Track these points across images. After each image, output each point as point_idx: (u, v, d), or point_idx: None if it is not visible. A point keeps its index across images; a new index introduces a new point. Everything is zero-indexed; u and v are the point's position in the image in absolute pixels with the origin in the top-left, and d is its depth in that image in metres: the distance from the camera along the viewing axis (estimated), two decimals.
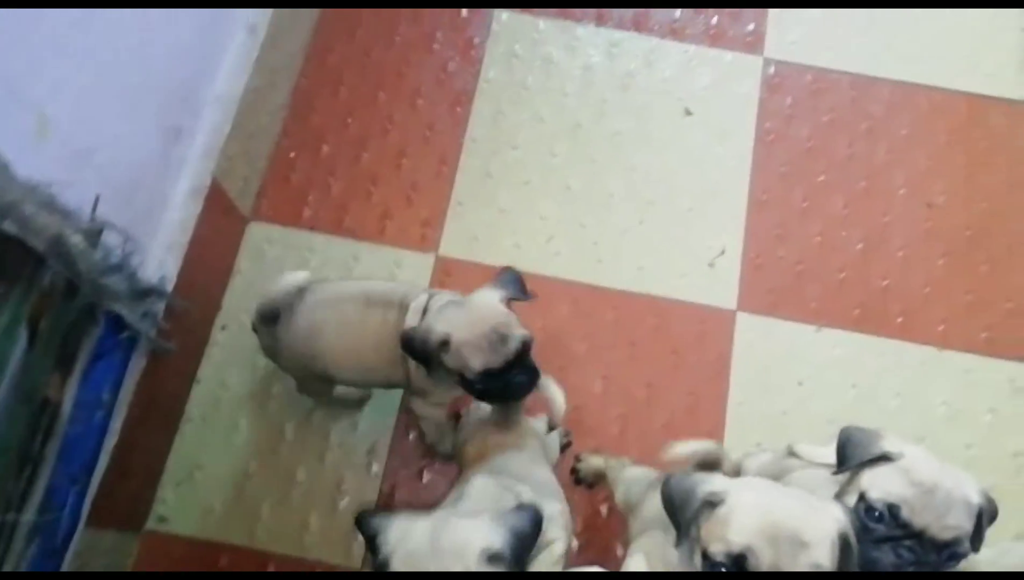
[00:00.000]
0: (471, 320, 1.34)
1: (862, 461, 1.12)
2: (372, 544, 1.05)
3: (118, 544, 1.66)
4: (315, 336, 1.48)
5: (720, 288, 1.94)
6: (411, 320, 1.41)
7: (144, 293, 1.51)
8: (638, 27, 2.16)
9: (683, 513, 1.02)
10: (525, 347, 1.35)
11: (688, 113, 2.09)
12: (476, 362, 1.31)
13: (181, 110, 1.63)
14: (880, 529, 1.05)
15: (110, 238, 1.38)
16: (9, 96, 1.14)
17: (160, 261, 1.61)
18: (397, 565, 1.00)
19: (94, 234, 1.30)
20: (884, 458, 1.10)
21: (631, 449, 1.78)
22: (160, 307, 1.58)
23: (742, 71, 2.13)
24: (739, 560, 0.94)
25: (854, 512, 1.06)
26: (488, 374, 1.33)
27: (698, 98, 2.10)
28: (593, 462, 1.73)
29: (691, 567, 1.01)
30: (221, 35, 1.73)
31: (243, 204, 1.92)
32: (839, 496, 1.14)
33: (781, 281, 1.95)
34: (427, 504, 1.66)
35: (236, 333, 1.87)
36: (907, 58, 2.15)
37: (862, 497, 1.09)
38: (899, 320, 1.92)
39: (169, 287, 1.61)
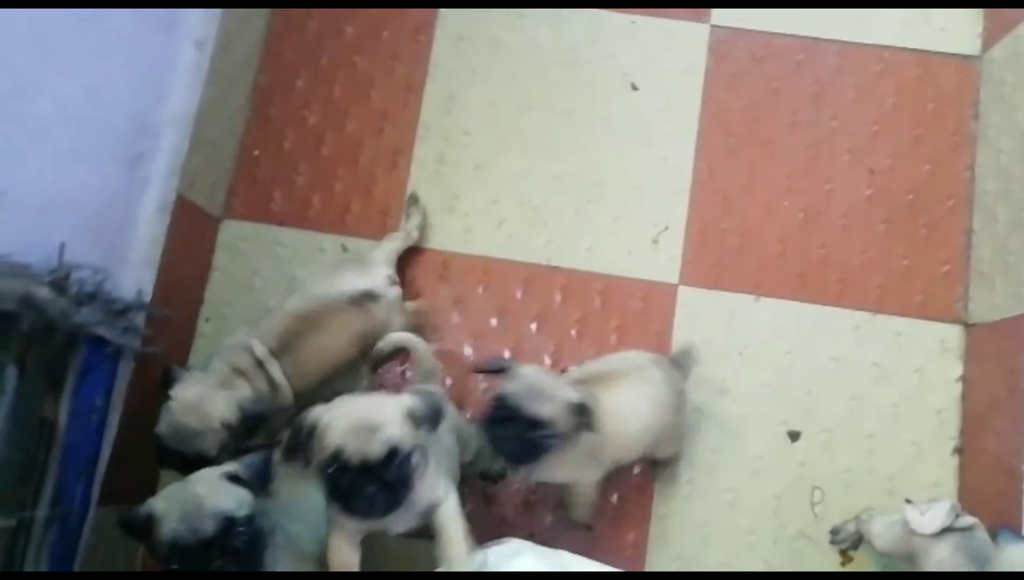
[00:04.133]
0: None
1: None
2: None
3: None
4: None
5: (663, 263, 2.04)
6: None
7: (122, 311, 1.70)
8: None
9: (298, 444, 1.30)
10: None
11: (634, 88, 2.13)
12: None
13: (139, 137, 1.76)
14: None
15: (80, 274, 1.56)
16: None
17: (136, 277, 1.78)
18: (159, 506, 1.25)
19: (62, 279, 1.47)
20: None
21: None
22: (140, 318, 1.77)
23: (688, 40, 2.14)
24: (336, 457, 1.24)
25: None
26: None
27: (644, 72, 2.13)
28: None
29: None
30: (169, 57, 1.83)
31: (213, 206, 2.06)
32: None
33: (722, 254, 2.04)
34: None
35: (218, 324, 2.06)
36: (856, 17, 2.12)
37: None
38: (836, 287, 2.01)
39: (147, 298, 1.80)
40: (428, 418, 1.34)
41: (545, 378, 1.51)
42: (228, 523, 1.23)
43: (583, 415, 1.46)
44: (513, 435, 1.45)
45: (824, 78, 2.10)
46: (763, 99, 2.11)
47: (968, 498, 1.82)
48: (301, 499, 1.48)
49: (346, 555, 1.39)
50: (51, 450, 1.58)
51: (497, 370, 1.53)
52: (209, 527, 1.22)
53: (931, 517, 1.50)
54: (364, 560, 1.41)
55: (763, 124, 2.10)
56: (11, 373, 1.43)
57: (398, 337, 1.75)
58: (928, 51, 2.10)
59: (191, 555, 1.23)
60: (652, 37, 2.15)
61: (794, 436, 1.93)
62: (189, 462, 1.52)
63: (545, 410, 1.44)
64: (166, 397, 1.58)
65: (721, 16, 2.15)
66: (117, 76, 1.66)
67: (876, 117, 2.08)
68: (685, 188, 2.07)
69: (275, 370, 1.68)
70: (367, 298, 1.76)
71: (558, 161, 2.10)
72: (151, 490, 1.92)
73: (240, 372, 1.66)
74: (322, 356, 1.74)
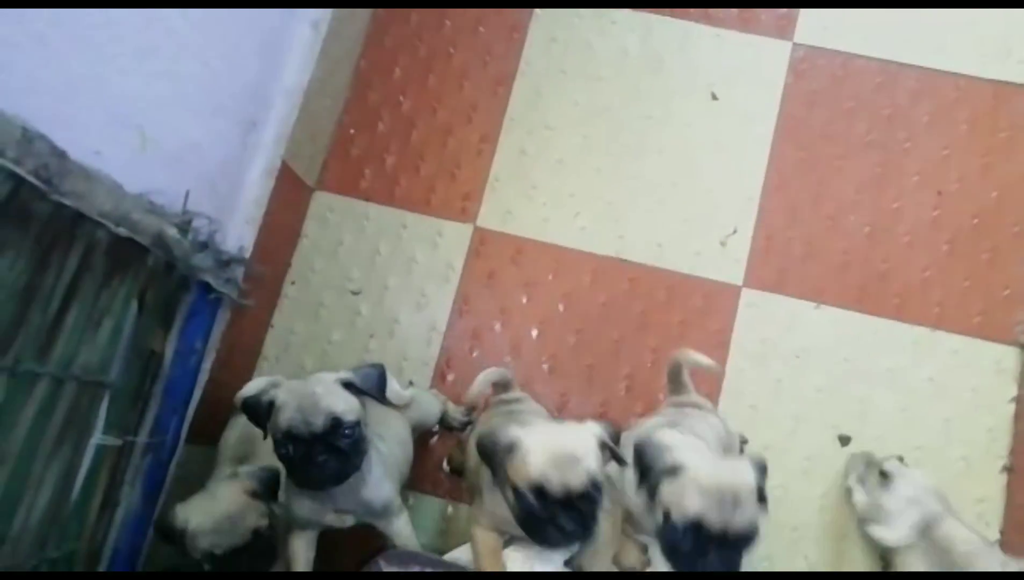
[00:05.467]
0: None
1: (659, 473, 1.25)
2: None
3: (210, 457, 2.05)
4: None
5: (729, 265, 2.13)
6: None
7: (226, 263, 1.84)
8: (673, 11, 2.27)
9: (493, 461, 1.31)
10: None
11: (714, 98, 2.22)
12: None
13: (256, 105, 1.91)
14: (687, 544, 1.18)
15: (198, 222, 1.70)
16: (117, 121, 1.44)
17: (240, 233, 1.93)
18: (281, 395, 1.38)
19: (186, 224, 1.62)
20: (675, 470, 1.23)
21: (635, 405, 2.05)
22: (240, 272, 1.91)
23: (770, 56, 2.23)
24: (538, 490, 1.24)
25: (663, 533, 1.23)
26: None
27: (725, 83, 2.23)
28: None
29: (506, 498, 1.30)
30: (288, 34, 1.98)
31: (309, 177, 2.21)
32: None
33: (787, 260, 2.12)
34: None
35: (302, 288, 2.20)
36: (937, 44, 2.19)
37: (667, 517, 1.21)
38: (896, 301, 2.07)
39: (247, 255, 1.94)
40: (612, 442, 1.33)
41: (724, 474, 1.24)
42: (336, 423, 1.36)
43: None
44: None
45: (900, 101, 2.18)
46: (838, 117, 2.19)
47: (1015, 515, 1.86)
48: (392, 424, 1.63)
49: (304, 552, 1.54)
50: (156, 382, 1.72)
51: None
52: (319, 423, 1.35)
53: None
54: None
55: (836, 141, 2.18)
56: (133, 305, 1.57)
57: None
58: (1005, 82, 2.16)
59: (301, 444, 1.36)
60: (736, 51, 2.24)
61: (844, 440, 2.00)
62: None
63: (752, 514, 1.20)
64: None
65: (803, 35, 2.24)
66: (243, 46, 1.81)
67: (948, 142, 2.15)
68: (756, 195, 2.16)
69: None
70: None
71: (635, 161, 2.21)
72: None
73: None
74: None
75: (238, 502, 1.48)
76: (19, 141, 1.08)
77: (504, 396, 1.79)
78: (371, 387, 1.44)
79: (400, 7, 2.35)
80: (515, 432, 1.30)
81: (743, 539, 1.18)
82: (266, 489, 1.54)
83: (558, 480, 1.23)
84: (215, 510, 1.46)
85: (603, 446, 1.31)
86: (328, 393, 1.38)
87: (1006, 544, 1.82)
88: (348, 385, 1.43)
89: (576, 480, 1.24)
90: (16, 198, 1.12)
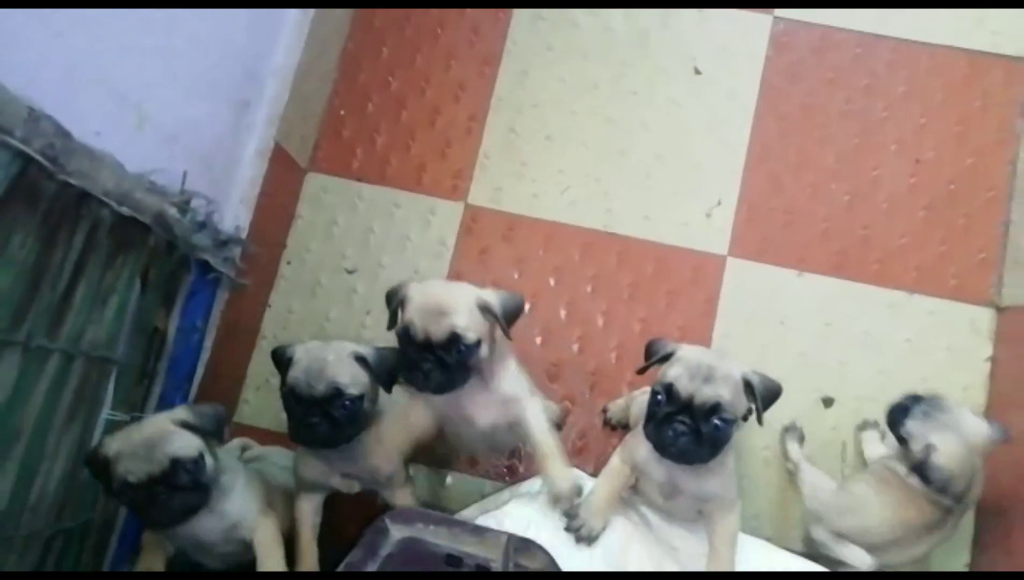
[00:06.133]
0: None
1: (657, 358, 1.44)
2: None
3: None
4: None
5: (714, 236, 2.18)
6: None
7: (224, 243, 1.89)
8: None
9: (389, 308, 1.48)
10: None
11: (698, 72, 2.27)
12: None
13: (248, 85, 1.94)
14: (662, 409, 1.37)
15: (196, 202, 1.74)
16: (116, 99, 1.47)
17: (235, 214, 1.97)
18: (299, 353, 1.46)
19: (185, 204, 1.66)
20: (671, 355, 1.42)
21: (625, 373, 2.11)
22: (237, 252, 1.96)
23: (751, 30, 2.28)
24: (406, 330, 1.39)
25: (650, 401, 1.40)
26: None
27: (708, 57, 2.28)
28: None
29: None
30: (278, 15, 2.01)
31: (301, 158, 2.24)
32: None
33: (770, 230, 2.18)
34: None
35: (298, 267, 2.24)
36: (914, 16, 2.25)
37: (653, 391, 1.40)
38: (875, 266, 2.14)
39: (243, 235, 1.98)
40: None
41: (708, 357, 1.39)
42: (336, 392, 1.42)
43: (753, 394, 1.39)
44: (687, 430, 1.34)
45: (878, 71, 2.23)
46: (818, 88, 2.24)
47: (992, 469, 1.94)
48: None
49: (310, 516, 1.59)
50: (160, 360, 1.77)
51: (662, 358, 1.43)
52: (320, 388, 1.41)
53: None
54: None
55: (817, 111, 2.23)
56: (136, 283, 1.61)
57: None
58: (979, 51, 2.22)
59: (301, 403, 1.43)
60: (718, 25, 2.29)
61: (828, 402, 2.07)
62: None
63: (723, 393, 1.33)
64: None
65: (784, 9, 2.29)
66: (236, 26, 1.84)
67: (924, 111, 2.21)
68: (739, 167, 2.21)
69: None
70: None
71: (622, 136, 2.26)
72: (231, 415, 2.14)
73: None
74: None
75: (161, 429, 1.38)
76: (26, 120, 1.12)
77: None
78: (382, 371, 1.49)
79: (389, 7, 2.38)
80: (411, 287, 1.44)
81: (709, 410, 1.33)
82: (206, 424, 1.45)
83: (421, 327, 1.37)
84: (134, 436, 1.36)
85: (484, 309, 1.43)
86: (338, 361, 1.44)
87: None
88: (361, 359, 1.48)
89: (438, 331, 1.37)
90: (24, 177, 1.16)
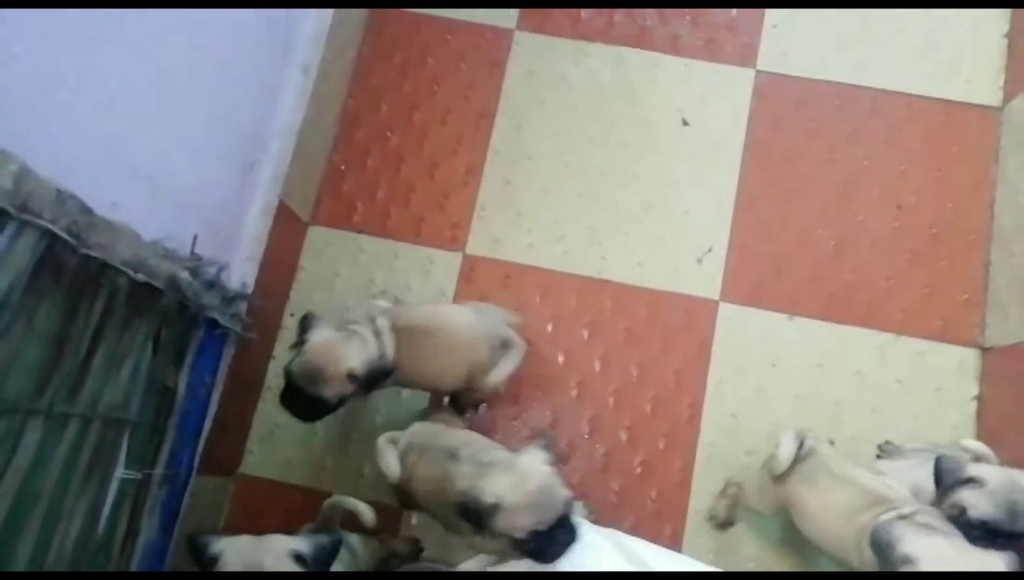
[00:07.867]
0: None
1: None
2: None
3: (219, 486, 2.15)
4: None
5: (706, 281, 2.26)
6: None
7: (231, 299, 1.94)
8: (641, 43, 2.42)
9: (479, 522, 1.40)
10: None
11: (685, 123, 2.36)
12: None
13: (253, 147, 2.01)
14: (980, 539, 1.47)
15: (206, 264, 1.80)
16: (133, 174, 1.54)
17: (241, 270, 2.02)
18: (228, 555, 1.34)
19: (195, 267, 1.71)
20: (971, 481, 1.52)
21: (624, 418, 2.17)
22: (243, 307, 2.01)
23: (736, 83, 2.38)
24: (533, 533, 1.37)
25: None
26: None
27: (694, 109, 2.37)
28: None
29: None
30: (280, 79, 2.08)
31: (303, 213, 2.31)
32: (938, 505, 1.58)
33: (760, 275, 2.25)
34: None
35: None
36: (890, 68, 2.35)
37: (963, 512, 1.50)
38: (863, 309, 2.21)
39: (249, 290, 2.04)
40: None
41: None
42: None
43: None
44: None
45: (859, 121, 2.33)
46: (802, 138, 2.33)
47: None
48: None
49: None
50: (170, 416, 1.81)
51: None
52: None
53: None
54: None
55: (801, 160, 2.32)
56: (148, 346, 1.66)
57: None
58: (954, 101, 2.32)
59: None
60: (703, 78, 2.39)
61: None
62: (309, 405, 1.70)
63: None
64: (302, 342, 1.72)
65: (765, 62, 2.39)
66: (240, 93, 1.92)
67: (905, 158, 2.30)
68: (728, 215, 2.29)
69: (389, 346, 1.80)
70: (506, 345, 1.94)
71: (613, 186, 2.34)
72: (237, 465, 2.18)
73: (359, 336, 1.77)
74: (436, 370, 1.88)
75: (277, 560, 1.35)
76: (54, 202, 1.18)
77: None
78: (315, 561, 1.39)
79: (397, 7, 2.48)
80: (490, 490, 1.39)
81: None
82: (317, 563, 1.40)
83: (545, 519, 1.38)
84: (253, 554, 1.35)
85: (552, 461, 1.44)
86: (275, 565, 1.34)
87: None
88: (299, 557, 1.37)
89: (554, 511, 1.38)
90: (51, 253, 1.21)
